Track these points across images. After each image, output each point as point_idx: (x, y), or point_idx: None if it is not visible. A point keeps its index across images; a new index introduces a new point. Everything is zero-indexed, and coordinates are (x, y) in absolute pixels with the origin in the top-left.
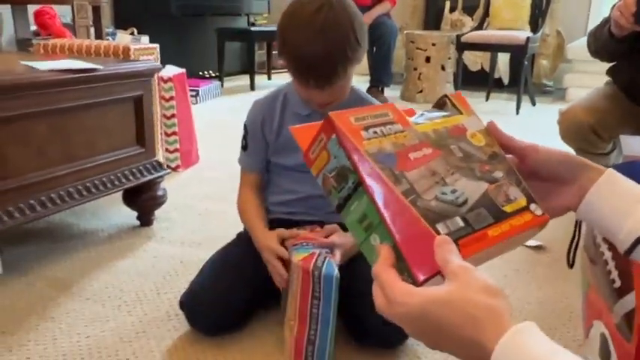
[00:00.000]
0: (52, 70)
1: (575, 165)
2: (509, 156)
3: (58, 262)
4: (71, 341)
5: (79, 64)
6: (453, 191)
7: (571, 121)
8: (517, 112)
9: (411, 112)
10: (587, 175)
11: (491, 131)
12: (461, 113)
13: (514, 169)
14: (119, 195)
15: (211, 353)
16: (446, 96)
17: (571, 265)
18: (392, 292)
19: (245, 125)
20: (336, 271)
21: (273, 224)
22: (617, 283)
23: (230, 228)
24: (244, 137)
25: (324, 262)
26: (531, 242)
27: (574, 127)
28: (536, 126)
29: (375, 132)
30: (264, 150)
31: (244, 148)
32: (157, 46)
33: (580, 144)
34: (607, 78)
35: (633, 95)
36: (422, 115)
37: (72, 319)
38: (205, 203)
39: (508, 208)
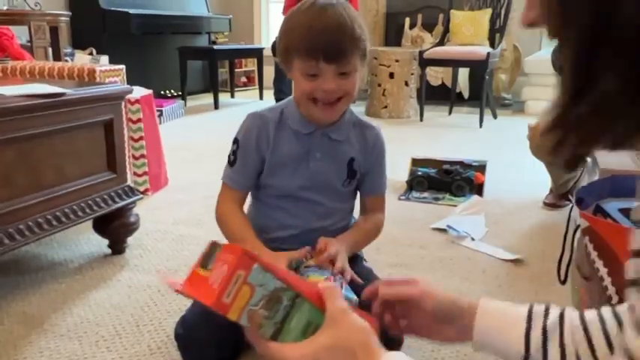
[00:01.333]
0: (19, 96)
1: (456, 310)
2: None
3: (26, 296)
4: None
5: (47, 88)
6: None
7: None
8: (480, 126)
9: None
10: (462, 320)
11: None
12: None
13: None
14: (88, 223)
15: None
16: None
17: (563, 282)
18: (285, 352)
19: (236, 139)
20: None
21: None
22: (615, 299)
23: None
24: (234, 152)
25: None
26: (508, 255)
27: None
28: (499, 138)
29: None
30: (254, 167)
31: (232, 163)
32: (122, 67)
33: (549, 158)
34: None
35: None
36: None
37: (47, 359)
38: (178, 228)
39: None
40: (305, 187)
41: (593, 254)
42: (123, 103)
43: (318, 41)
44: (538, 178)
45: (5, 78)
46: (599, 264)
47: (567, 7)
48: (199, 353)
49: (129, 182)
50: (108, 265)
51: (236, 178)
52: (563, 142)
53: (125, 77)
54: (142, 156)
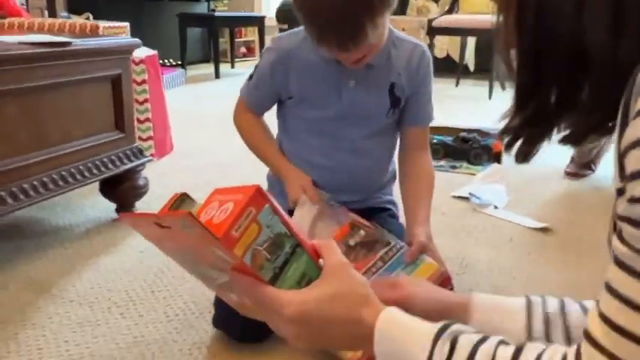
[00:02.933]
0: (21, 43)
1: (448, 305)
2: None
3: (31, 260)
4: (59, 350)
5: (51, 37)
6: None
7: None
8: (490, 97)
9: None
10: (456, 314)
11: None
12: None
13: None
14: (92, 186)
15: (224, 356)
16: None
17: None
18: (283, 298)
19: (256, 66)
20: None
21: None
22: None
23: None
24: (253, 73)
25: None
26: (535, 224)
27: None
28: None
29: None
30: (269, 97)
31: (250, 78)
32: (126, 24)
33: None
34: None
35: None
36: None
37: (56, 325)
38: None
39: None
40: (337, 119)
41: None
42: (130, 58)
43: (328, 30)
44: (557, 148)
45: (3, 32)
46: None
47: (521, 23)
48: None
49: (137, 143)
50: (116, 230)
51: (252, 93)
52: (513, 142)
53: (129, 36)
54: (147, 119)
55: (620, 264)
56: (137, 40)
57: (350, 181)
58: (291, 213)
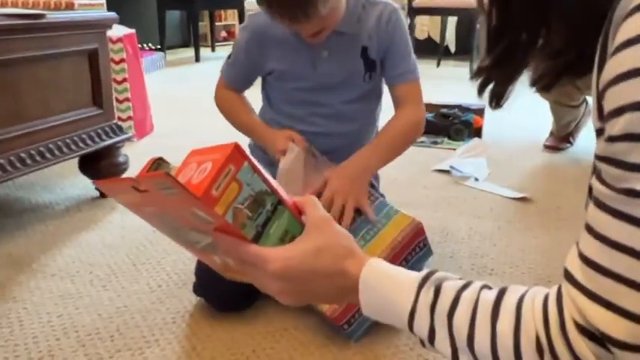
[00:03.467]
0: None
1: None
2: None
3: (11, 238)
4: (41, 321)
5: (25, 10)
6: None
7: None
8: (471, 77)
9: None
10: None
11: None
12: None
13: None
14: (71, 166)
15: (207, 323)
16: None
17: None
18: (267, 255)
19: (233, 43)
20: None
21: None
22: None
23: None
24: (231, 53)
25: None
26: (515, 194)
27: None
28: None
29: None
30: (247, 73)
31: (229, 57)
32: (103, 1)
33: (558, 96)
34: None
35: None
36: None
37: (38, 298)
38: None
39: None
40: (316, 89)
41: None
42: (107, 33)
43: (279, 7)
44: (536, 123)
45: None
46: None
47: None
48: (221, 299)
49: (116, 120)
50: (97, 208)
51: (230, 71)
52: (485, 84)
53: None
54: (127, 99)
55: (600, 205)
56: (113, 14)
57: (333, 145)
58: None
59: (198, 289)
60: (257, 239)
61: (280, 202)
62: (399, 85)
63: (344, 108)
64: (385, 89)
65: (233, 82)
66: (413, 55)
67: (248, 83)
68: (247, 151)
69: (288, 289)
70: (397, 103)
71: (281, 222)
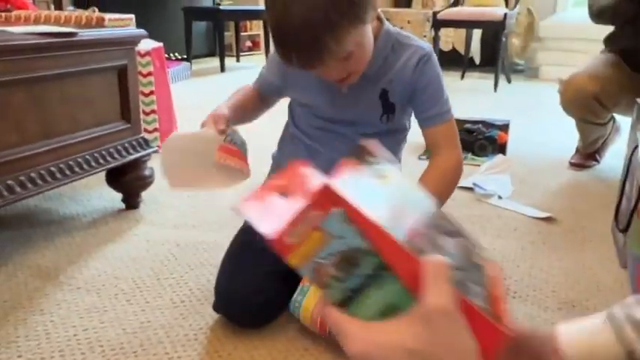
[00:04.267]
0: (28, 34)
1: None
2: None
3: (39, 249)
4: (67, 335)
5: (57, 28)
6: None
7: (575, 90)
8: (495, 90)
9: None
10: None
11: None
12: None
13: None
14: (98, 178)
15: (229, 341)
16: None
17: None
18: (355, 332)
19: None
20: None
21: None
22: None
23: (224, 211)
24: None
25: None
26: (539, 213)
27: (579, 96)
28: (516, 101)
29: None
30: (271, 84)
31: (260, 74)
32: (132, 16)
33: (583, 113)
34: (585, 52)
35: (634, 62)
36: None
37: (64, 311)
38: None
39: None
40: (333, 122)
41: None
42: (136, 49)
43: (289, 51)
44: (561, 140)
45: (10, 24)
46: None
47: None
48: (243, 316)
49: (143, 134)
50: (123, 220)
51: (261, 75)
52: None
53: (135, 27)
54: (153, 111)
55: None
56: (142, 31)
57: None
58: None
59: (218, 307)
60: (345, 304)
61: (385, 266)
62: (431, 129)
63: (361, 139)
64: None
65: (259, 83)
66: (445, 96)
67: (273, 94)
68: (342, 191)
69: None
70: (431, 147)
71: (385, 294)
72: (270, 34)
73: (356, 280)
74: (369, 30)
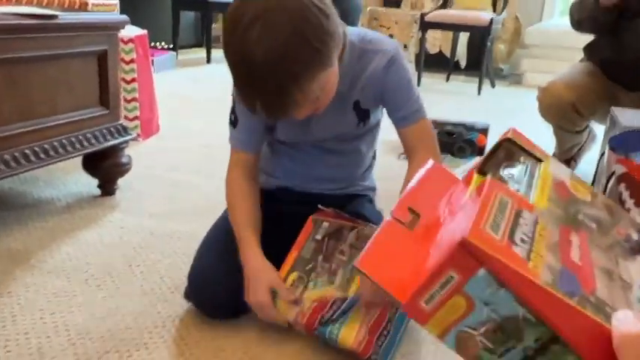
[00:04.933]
0: (9, 14)
1: None
2: None
3: (10, 232)
4: (33, 318)
5: (39, 10)
6: None
7: (553, 98)
8: (479, 93)
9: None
10: None
11: None
12: (539, 159)
13: (636, 220)
14: (75, 163)
15: (197, 329)
16: (507, 139)
17: None
18: None
19: (233, 95)
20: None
21: (277, 194)
22: None
23: (202, 200)
24: (233, 110)
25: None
26: None
27: (556, 104)
28: (499, 106)
29: (522, 240)
30: (258, 125)
31: (233, 123)
32: (116, 2)
33: (559, 120)
34: (570, 60)
35: (612, 72)
36: (498, 175)
37: (32, 294)
38: (172, 174)
39: None
40: (311, 142)
41: (629, 202)
42: (118, 35)
43: (252, 100)
44: (539, 145)
45: None
46: (635, 211)
47: None
48: (213, 304)
49: (122, 121)
50: (98, 206)
51: (240, 138)
52: None
53: (119, 13)
54: (134, 99)
55: None
56: (125, 17)
57: (327, 174)
58: None
59: (189, 294)
60: None
61: (556, 338)
62: (405, 129)
63: (337, 146)
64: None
65: (246, 145)
66: (415, 95)
67: (262, 138)
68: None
69: None
70: (408, 150)
71: None
72: (231, 74)
73: (517, 356)
74: (335, 68)
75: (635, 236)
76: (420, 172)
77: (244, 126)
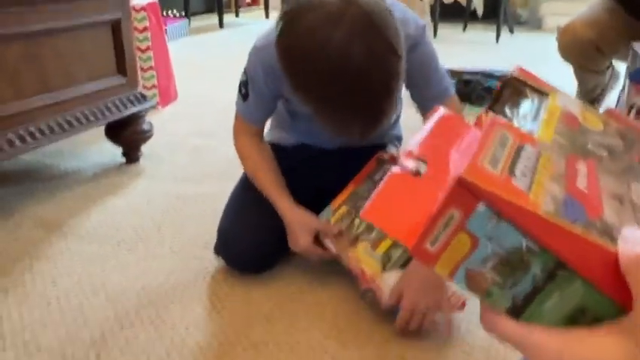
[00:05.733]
0: None
1: None
2: None
3: (42, 202)
4: (71, 280)
5: None
6: None
7: (572, 37)
8: (497, 41)
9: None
10: None
11: (617, 120)
12: (545, 94)
13: None
14: (99, 134)
15: (227, 284)
16: (513, 78)
17: None
18: (545, 343)
19: (245, 70)
20: None
21: (296, 151)
22: None
23: (224, 163)
24: (244, 84)
25: None
26: None
27: (576, 43)
28: (518, 53)
29: (523, 173)
30: (268, 103)
31: (244, 96)
32: None
33: (580, 60)
34: (590, 0)
35: (632, 7)
36: (506, 114)
37: (68, 260)
38: (193, 139)
39: None
40: None
41: None
42: (129, 3)
43: (350, 126)
44: (561, 89)
45: None
46: None
47: None
48: (242, 260)
49: (140, 89)
50: (123, 174)
51: (250, 111)
52: None
53: None
54: (151, 68)
55: None
56: None
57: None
58: None
59: (219, 248)
60: (515, 312)
61: (562, 265)
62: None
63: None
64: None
65: (255, 120)
66: (441, 74)
67: (270, 113)
68: (485, 178)
69: None
70: None
71: (566, 296)
72: (320, 111)
73: (526, 285)
74: None
75: None
76: (431, 121)
77: (255, 103)
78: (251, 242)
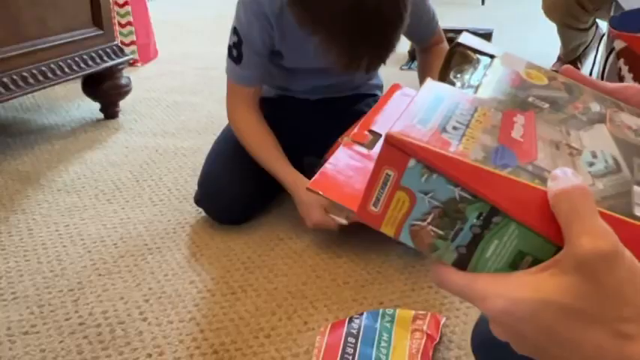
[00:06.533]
0: None
1: None
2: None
3: (18, 156)
4: (49, 230)
5: None
6: (594, 155)
7: None
8: (482, 3)
9: (397, 87)
10: None
11: (570, 77)
12: (491, 56)
13: (600, 94)
14: (76, 90)
15: (207, 233)
16: (458, 44)
17: None
18: (491, 290)
19: (236, 30)
20: None
21: (288, 103)
22: None
23: (204, 119)
24: (235, 45)
25: None
26: None
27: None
28: (503, 13)
29: (455, 127)
30: (264, 60)
31: (236, 59)
32: None
33: (564, 18)
34: None
35: None
36: (453, 81)
37: (45, 210)
38: (173, 96)
39: None
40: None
41: (628, 76)
42: None
43: (361, 55)
44: (544, 48)
45: None
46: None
47: None
48: (221, 209)
49: (117, 42)
50: (102, 129)
51: (246, 74)
52: None
53: None
54: (129, 23)
55: None
56: None
57: (337, 83)
58: None
59: (200, 199)
60: (462, 264)
61: (496, 210)
62: (427, 41)
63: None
64: None
65: (252, 79)
66: (431, 13)
67: (266, 70)
68: (412, 134)
69: (509, 336)
70: (426, 48)
71: (506, 241)
72: (331, 39)
73: (466, 235)
74: None
75: (595, 107)
76: (384, 98)
77: (250, 62)
78: (234, 194)
